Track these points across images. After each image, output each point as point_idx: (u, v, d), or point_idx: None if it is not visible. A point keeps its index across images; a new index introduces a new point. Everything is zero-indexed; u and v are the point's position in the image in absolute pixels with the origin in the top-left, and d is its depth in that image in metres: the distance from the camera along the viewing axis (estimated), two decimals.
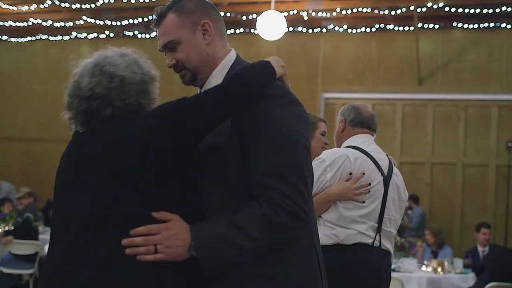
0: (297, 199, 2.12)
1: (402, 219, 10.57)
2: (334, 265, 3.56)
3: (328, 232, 3.62)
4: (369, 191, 3.66)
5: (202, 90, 2.34)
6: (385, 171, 3.76)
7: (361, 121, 3.94)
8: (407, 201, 3.99)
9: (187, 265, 2.09)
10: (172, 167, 2.14)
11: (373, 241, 3.64)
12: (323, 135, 4.14)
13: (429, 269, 7.82)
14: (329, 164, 3.68)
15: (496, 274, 7.09)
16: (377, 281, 3.68)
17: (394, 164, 3.90)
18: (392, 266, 7.04)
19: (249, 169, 2.14)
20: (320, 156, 3.77)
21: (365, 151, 3.77)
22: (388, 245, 3.74)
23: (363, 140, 3.88)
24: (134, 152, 2.09)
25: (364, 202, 3.64)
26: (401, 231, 9.64)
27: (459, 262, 8.35)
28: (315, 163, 3.71)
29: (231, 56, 2.39)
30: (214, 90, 2.14)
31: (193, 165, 2.22)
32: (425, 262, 8.19)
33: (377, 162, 3.75)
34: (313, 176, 2.34)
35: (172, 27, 2.30)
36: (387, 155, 3.92)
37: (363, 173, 3.66)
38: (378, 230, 3.66)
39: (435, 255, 9.14)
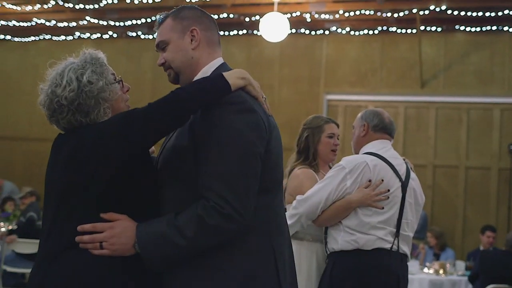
0: (233, 202, 2.21)
1: None
2: (353, 270, 3.67)
3: (348, 238, 3.71)
4: (388, 197, 3.72)
5: None
6: (403, 177, 3.85)
7: (384, 127, 4.01)
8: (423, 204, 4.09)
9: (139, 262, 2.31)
10: (123, 173, 2.33)
11: (392, 246, 3.71)
12: (331, 137, 4.14)
13: (431, 271, 7.84)
14: (348, 171, 3.77)
15: (490, 278, 7.09)
16: (396, 285, 3.76)
17: (411, 168, 3.96)
18: None
19: (198, 170, 2.29)
20: (340, 163, 3.84)
21: (383, 157, 3.84)
22: (406, 248, 3.85)
23: (382, 146, 3.95)
24: (87, 161, 2.32)
25: (383, 208, 3.71)
26: None
27: (461, 265, 8.37)
28: (334, 170, 3.80)
29: (215, 63, 2.54)
30: (156, 104, 2.29)
31: (149, 167, 2.46)
32: (427, 264, 8.20)
33: (395, 168, 3.83)
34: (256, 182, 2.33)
35: (165, 29, 2.56)
36: (404, 159, 3.98)
37: (382, 180, 3.73)
38: (397, 235, 3.75)
39: (437, 257, 9.15)
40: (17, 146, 13.64)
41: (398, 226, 3.77)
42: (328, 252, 3.85)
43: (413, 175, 3.96)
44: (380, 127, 4.01)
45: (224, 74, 2.35)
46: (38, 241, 7.93)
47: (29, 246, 8.63)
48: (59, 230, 2.34)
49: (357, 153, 4.07)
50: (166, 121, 2.28)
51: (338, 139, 4.23)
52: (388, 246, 3.72)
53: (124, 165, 2.31)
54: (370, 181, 3.75)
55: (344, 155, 4.16)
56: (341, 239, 3.73)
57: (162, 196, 2.42)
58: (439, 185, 11.41)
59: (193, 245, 2.24)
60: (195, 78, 2.47)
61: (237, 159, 2.25)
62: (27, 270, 8.78)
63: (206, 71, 2.50)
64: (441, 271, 7.77)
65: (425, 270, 7.93)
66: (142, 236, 2.27)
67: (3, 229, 9.28)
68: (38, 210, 10.13)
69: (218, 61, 2.56)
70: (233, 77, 2.34)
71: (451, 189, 11.35)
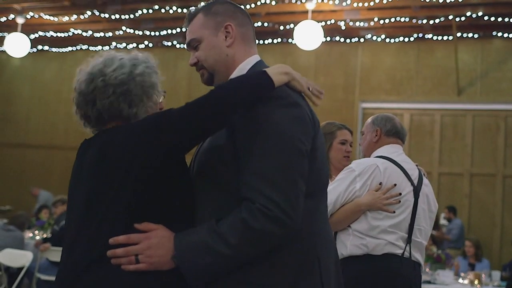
0: (281, 203, 2.00)
1: (440, 230, 10.47)
2: (363, 276, 3.57)
3: (357, 242, 3.61)
4: (399, 201, 3.65)
5: None
6: (415, 181, 3.75)
7: (397, 132, 3.95)
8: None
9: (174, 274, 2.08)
10: (157, 178, 2.12)
11: (403, 252, 3.62)
12: (343, 143, 4.10)
13: (466, 281, 7.72)
14: (358, 173, 3.68)
15: None
16: None
17: (424, 174, 3.89)
18: (428, 278, 7.04)
19: (240, 170, 2.08)
20: (350, 166, 3.77)
21: (395, 161, 3.76)
22: (419, 256, 3.71)
23: (393, 150, 3.88)
24: (116, 165, 2.12)
25: (394, 212, 3.62)
26: (439, 242, 9.54)
27: (496, 275, 8.23)
28: (344, 172, 3.73)
29: (251, 60, 2.37)
30: (193, 104, 2.09)
31: (185, 172, 2.24)
32: (462, 274, 8.09)
33: (407, 172, 3.74)
34: (308, 181, 2.13)
35: (196, 26, 2.37)
36: (416, 165, 3.91)
37: (395, 184, 3.66)
38: (408, 241, 3.64)
39: (472, 267, 9.02)
40: (54, 155, 13.82)
41: (410, 231, 3.65)
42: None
43: (426, 181, 3.87)
44: (393, 132, 3.95)
45: (267, 70, 2.15)
46: None
47: None
48: (85, 244, 2.11)
49: (367, 157, 4.01)
50: (203, 122, 2.07)
51: (351, 146, 4.19)
52: (399, 252, 3.60)
53: (158, 169, 2.10)
54: (380, 184, 3.66)
55: None
56: (350, 244, 3.63)
57: (200, 202, 2.20)
58: (476, 194, 11.27)
59: (238, 254, 2.01)
60: (231, 77, 2.30)
61: (282, 155, 2.04)
62: None
63: (242, 68, 2.32)
64: (476, 282, 7.65)
65: (460, 280, 7.81)
66: (181, 246, 2.05)
67: (37, 238, 9.39)
68: None
69: (255, 58, 2.39)
70: (275, 73, 2.14)
71: (489, 198, 11.20)
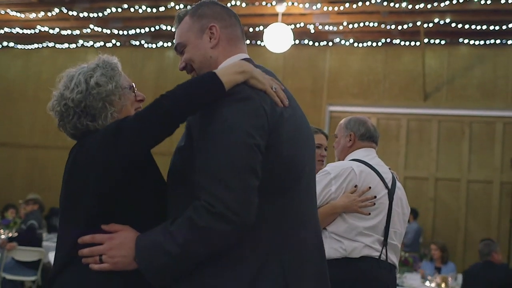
0: (225, 199, 1.94)
1: None
2: (341, 279, 3.55)
3: (335, 245, 3.61)
4: (374, 204, 3.65)
5: None
6: (389, 184, 3.77)
7: (370, 136, 3.96)
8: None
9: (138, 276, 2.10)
10: (121, 182, 2.18)
11: (380, 255, 3.63)
12: (318, 147, 4.10)
13: (433, 284, 7.79)
14: (334, 176, 3.68)
15: None
16: None
17: (396, 178, 3.91)
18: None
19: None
20: (325, 168, 3.76)
21: (369, 164, 3.77)
22: (394, 258, 3.73)
23: (366, 153, 3.89)
24: (83, 170, 2.20)
25: (369, 214, 3.63)
26: None
27: (461, 278, 8.30)
28: (319, 175, 3.71)
29: (233, 58, 2.35)
30: (141, 115, 2.12)
31: (152, 174, 2.29)
32: (429, 277, 8.15)
33: (381, 176, 3.75)
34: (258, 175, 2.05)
35: (182, 30, 2.38)
36: (389, 168, 3.93)
37: (370, 187, 3.66)
38: (385, 243, 3.65)
39: (438, 271, 9.10)
40: (18, 153, 13.64)
41: (386, 234, 3.68)
42: None
43: (399, 184, 3.89)
44: (367, 136, 3.96)
45: (218, 71, 2.12)
46: (38, 249, 7.94)
47: (29, 254, 8.60)
48: (63, 244, 2.23)
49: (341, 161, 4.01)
50: (153, 133, 2.08)
51: (325, 150, 4.19)
52: (376, 254, 3.62)
53: (120, 174, 2.15)
54: (356, 186, 3.67)
55: None
56: (328, 247, 3.60)
57: (172, 201, 2.20)
58: (441, 198, 11.39)
59: (187, 253, 1.98)
60: None
61: (228, 151, 1.99)
62: (27, 278, 8.77)
63: (222, 67, 2.26)
64: (443, 285, 7.72)
65: (427, 283, 7.88)
66: (140, 246, 2.06)
67: (3, 236, 9.26)
68: (40, 219, 10.11)
69: (238, 56, 2.37)
70: (229, 73, 2.10)
71: (453, 202, 11.33)
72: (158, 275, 2.03)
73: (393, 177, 3.86)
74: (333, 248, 3.59)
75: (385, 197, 3.72)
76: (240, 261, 2.03)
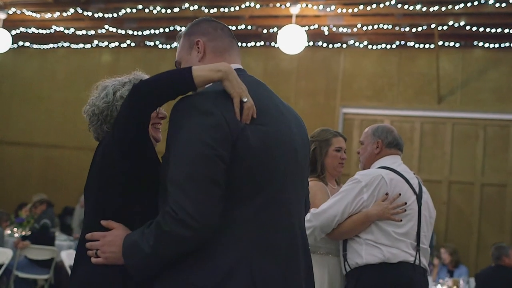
0: (186, 207, 2.10)
1: None
2: (379, 284, 3.65)
3: (373, 251, 3.71)
4: (405, 210, 3.74)
5: None
6: (417, 190, 3.87)
7: (397, 144, 4.08)
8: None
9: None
10: (125, 179, 2.45)
11: (415, 260, 3.71)
12: (338, 150, 4.15)
13: (445, 287, 7.77)
14: (365, 184, 3.78)
15: None
16: None
17: (421, 182, 3.99)
18: None
19: None
20: (355, 177, 3.84)
21: (397, 171, 3.88)
22: (425, 262, 3.88)
23: (393, 161, 3.99)
24: (96, 167, 2.54)
25: (401, 221, 3.71)
26: None
27: (474, 282, 8.27)
28: (350, 183, 3.80)
29: None
30: (125, 100, 2.38)
31: (150, 175, 2.47)
32: (440, 281, 8.13)
33: (409, 182, 3.86)
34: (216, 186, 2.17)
35: (178, 49, 2.59)
36: (414, 174, 4.00)
37: (399, 194, 3.74)
38: (417, 248, 3.76)
39: (450, 274, 9.08)
40: (34, 153, 13.72)
41: (418, 239, 3.79)
42: (349, 269, 3.80)
43: (424, 188, 4.01)
44: (394, 144, 4.06)
45: (196, 66, 2.29)
46: (50, 247, 8.01)
47: (42, 253, 8.66)
48: (81, 238, 2.51)
49: (367, 168, 4.07)
50: (132, 113, 2.32)
51: (345, 152, 4.22)
52: (411, 259, 3.73)
53: (124, 169, 2.43)
54: (387, 194, 3.76)
55: (358, 169, 4.16)
56: (365, 252, 3.72)
57: (159, 205, 2.36)
58: (454, 202, 11.35)
59: (157, 254, 2.18)
60: (206, 87, 2.35)
61: (188, 162, 2.15)
62: (39, 276, 8.82)
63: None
64: None
65: (439, 286, 7.86)
66: (124, 244, 2.30)
67: (16, 235, 9.32)
68: (53, 217, 10.17)
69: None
70: (203, 69, 2.27)
71: (466, 206, 11.28)
72: (138, 271, 2.24)
73: (419, 182, 3.94)
74: (371, 254, 3.70)
75: (414, 203, 3.83)
76: (212, 261, 2.16)
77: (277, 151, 2.30)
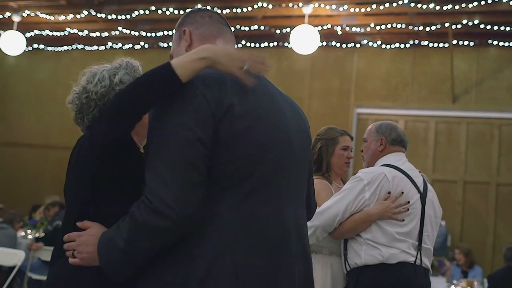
0: (161, 195, 1.93)
1: None
2: (379, 285, 3.58)
3: (371, 251, 3.63)
4: (408, 209, 3.66)
5: None
6: (421, 188, 3.77)
7: (401, 141, 3.98)
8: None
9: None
10: (102, 175, 2.29)
11: (415, 260, 3.64)
12: (345, 149, 4.11)
13: None
14: (367, 183, 3.70)
15: None
16: None
17: (427, 180, 3.90)
18: None
19: None
20: (357, 175, 3.78)
21: (401, 169, 3.78)
22: (428, 262, 3.76)
23: (397, 158, 3.89)
24: (75, 162, 2.43)
25: (403, 220, 3.64)
26: None
27: None
28: (352, 181, 3.73)
29: None
30: (107, 108, 2.21)
31: (131, 169, 2.30)
32: (454, 282, 8.09)
33: (413, 180, 3.76)
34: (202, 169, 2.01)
35: (172, 43, 2.51)
36: (419, 172, 3.92)
37: (402, 192, 3.66)
38: (419, 248, 3.67)
39: (465, 275, 9.02)
40: (48, 154, 13.77)
41: (420, 239, 3.70)
42: (349, 269, 3.74)
43: (430, 187, 3.90)
44: (398, 141, 3.98)
45: (174, 60, 2.08)
46: None
47: None
48: (59, 238, 2.37)
49: (371, 166, 4.01)
50: (110, 121, 2.12)
51: (351, 151, 4.18)
52: (412, 259, 3.64)
53: (102, 164, 2.27)
54: (389, 193, 3.68)
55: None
56: (364, 253, 3.64)
57: None
58: (469, 202, 11.28)
59: (132, 248, 2.00)
60: None
61: (166, 145, 1.98)
62: None
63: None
64: None
65: (452, 287, 7.82)
66: (100, 242, 2.12)
67: (30, 237, 9.35)
68: None
69: None
70: (185, 61, 2.06)
71: (482, 206, 11.21)
72: (114, 270, 2.08)
73: (424, 180, 3.86)
74: (370, 254, 3.62)
75: (418, 201, 3.73)
76: (192, 256, 2.00)
77: (265, 137, 2.13)
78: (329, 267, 3.87)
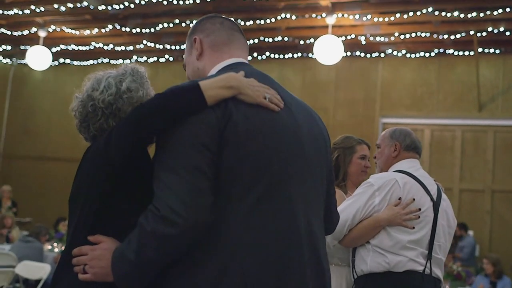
0: (171, 202, 1.90)
1: (452, 248, 10.37)
2: None
3: (378, 259, 3.55)
4: (419, 217, 3.59)
5: None
6: (434, 197, 3.69)
7: (416, 147, 3.91)
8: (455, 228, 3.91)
9: None
10: (114, 189, 2.18)
11: (424, 269, 3.56)
12: (362, 158, 4.07)
13: None
14: (377, 188, 3.62)
15: None
16: None
17: (442, 189, 3.83)
18: None
19: None
20: (368, 180, 3.71)
21: (414, 176, 3.71)
22: (439, 272, 3.64)
23: (411, 165, 3.83)
24: (84, 174, 2.33)
25: (413, 228, 3.57)
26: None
27: None
28: (362, 187, 3.67)
29: (220, 65, 2.31)
30: (125, 124, 2.12)
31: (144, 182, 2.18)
32: None
33: (426, 187, 3.68)
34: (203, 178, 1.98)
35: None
36: (434, 180, 3.85)
37: (413, 199, 3.60)
38: (429, 257, 3.58)
39: (493, 285, 8.91)
40: (74, 168, 13.79)
41: (430, 248, 3.58)
42: (356, 276, 3.65)
43: (444, 196, 3.79)
44: (412, 147, 3.90)
45: (204, 82, 2.05)
46: None
47: None
48: (65, 252, 2.25)
49: (384, 172, 3.95)
50: (127, 139, 2.08)
51: (368, 160, 4.14)
52: (420, 268, 3.53)
53: (115, 179, 2.17)
54: (400, 199, 3.59)
55: None
56: (371, 260, 3.56)
57: None
58: (497, 211, 11.15)
59: (142, 260, 1.96)
60: None
61: (172, 151, 1.97)
62: None
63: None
64: None
65: None
66: (112, 257, 2.06)
67: (56, 250, 9.39)
68: None
69: (227, 62, 2.32)
70: (215, 87, 2.04)
71: (510, 215, 11.08)
72: (126, 282, 2.03)
73: (438, 189, 3.78)
74: (376, 261, 3.54)
75: (430, 209, 3.64)
76: (201, 267, 1.98)
77: (272, 141, 2.10)
78: (344, 279, 3.79)
